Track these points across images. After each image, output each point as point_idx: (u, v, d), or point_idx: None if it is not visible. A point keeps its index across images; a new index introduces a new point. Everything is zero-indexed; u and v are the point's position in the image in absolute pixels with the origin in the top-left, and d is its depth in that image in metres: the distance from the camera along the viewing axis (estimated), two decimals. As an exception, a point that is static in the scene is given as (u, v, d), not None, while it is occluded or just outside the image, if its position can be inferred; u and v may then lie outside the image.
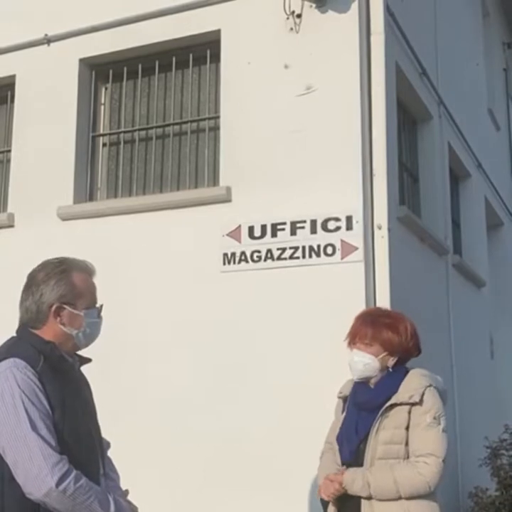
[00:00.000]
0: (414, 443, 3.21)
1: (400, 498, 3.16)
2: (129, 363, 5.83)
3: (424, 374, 3.36)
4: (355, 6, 5.67)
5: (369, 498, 3.19)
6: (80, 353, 2.75)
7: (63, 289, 2.61)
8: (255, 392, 5.45)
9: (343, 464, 3.32)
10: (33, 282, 2.64)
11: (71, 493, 2.36)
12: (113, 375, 5.63)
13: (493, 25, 11.41)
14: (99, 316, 2.71)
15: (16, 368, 2.45)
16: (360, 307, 5.10)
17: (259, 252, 5.67)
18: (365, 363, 3.33)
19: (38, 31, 6.75)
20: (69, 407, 2.52)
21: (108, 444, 2.88)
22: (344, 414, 3.47)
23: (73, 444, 2.48)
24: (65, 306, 2.61)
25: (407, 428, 3.23)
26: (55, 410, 2.46)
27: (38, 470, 2.33)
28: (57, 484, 2.33)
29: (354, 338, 3.40)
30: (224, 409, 5.51)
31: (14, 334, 2.68)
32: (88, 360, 2.75)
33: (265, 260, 5.64)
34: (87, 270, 2.70)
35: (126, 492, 2.77)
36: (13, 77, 6.91)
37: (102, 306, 2.73)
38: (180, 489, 5.53)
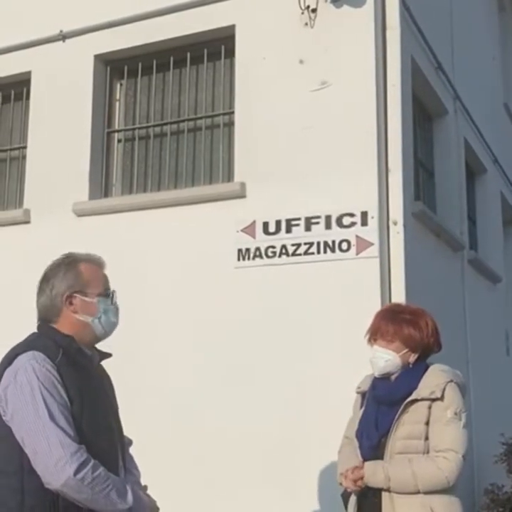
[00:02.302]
0: (435, 438, 3.21)
1: (418, 492, 3.16)
2: (141, 358, 5.84)
3: (444, 369, 3.36)
4: (370, 0, 5.64)
5: (388, 491, 3.19)
6: (100, 348, 2.77)
7: (71, 278, 2.67)
8: (269, 388, 5.44)
9: (363, 459, 3.31)
10: (44, 279, 2.71)
11: (89, 481, 2.38)
12: (124, 371, 5.63)
13: (509, 20, 11.31)
14: (113, 303, 2.75)
15: (35, 360, 2.48)
16: (376, 303, 5.11)
17: (273, 247, 5.66)
18: (387, 359, 3.33)
19: (53, 27, 6.76)
20: (87, 400, 2.55)
21: (130, 441, 2.91)
22: (363, 409, 3.46)
23: (92, 436, 2.50)
24: (75, 294, 2.65)
25: (427, 423, 3.23)
26: (73, 402, 2.49)
27: (56, 459, 2.36)
28: (76, 473, 2.36)
29: (375, 335, 3.39)
30: (239, 405, 5.51)
31: (35, 330, 2.71)
32: (108, 355, 2.77)
33: (280, 256, 5.64)
34: (94, 261, 2.76)
35: (145, 487, 2.79)
36: (28, 73, 6.93)
37: (114, 292, 2.76)
38: (193, 486, 5.54)
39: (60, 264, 2.71)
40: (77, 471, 2.36)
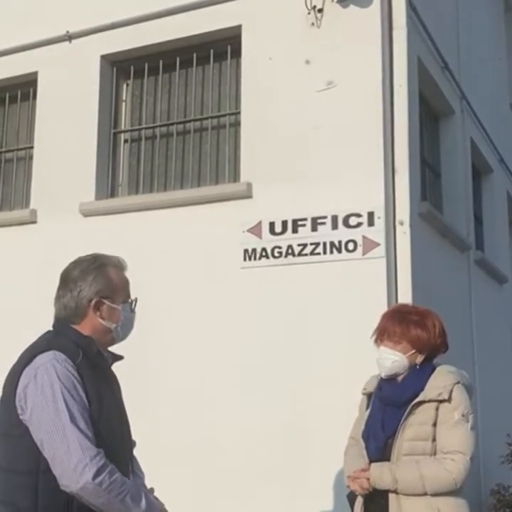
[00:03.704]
0: (442, 440, 3.20)
1: (425, 493, 3.15)
2: (147, 358, 5.83)
3: (451, 370, 3.34)
4: (377, 0, 5.64)
5: (396, 493, 3.18)
6: (111, 349, 2.77)
7: (101, 283, 2.65)
8: (275, 387, 5.44)
9: (369, 461, 3.30)
10: (69, 279, 2.67)
11: (107, 486, 2.38)
12: (130, 371, 5.63)
13: (516, 19, 11.30)
14: (132, 310, 2.76)
15: (56, 360, 2.47)
16: (382, 303, 5.10)
17: (279, 248, 5.66)
18: (394, 360, 3.32)
19: (60, 28, 6.77)
20: (105, 402, 2.55)
21: (134, 443, 2.90)
22: (369, 410, 3.45)
23: (108, 439, 2.50)
24: (104, 300, 2.65)
25: (434, 425, 3.22)
26: (92, 404, 2.49)
27: (76, 463, 2.36)
28: (94, 477, 2.35)
29: (382, 336, 3.37)
30: (244, 405, 5.51)
31: (50, 328, 2.70)
32: (120, 357, 2.77)
33: (286, 256, 5.63)
34: (120, 266, 2.75)
35: (152, 490, 2.79)
36: (35, 74, 6.94)
37: (136, 299, 2.76)
38: (199, 486, 5.54)
39: (88, 266, 2.67)
40: (95, 476, 2.36)
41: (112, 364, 2.75)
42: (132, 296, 2.77)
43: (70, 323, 2.65)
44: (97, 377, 2.56)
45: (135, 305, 2.77)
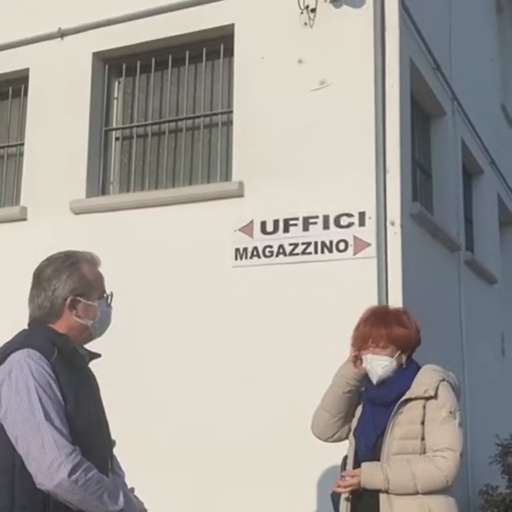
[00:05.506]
0: (431, 438, 3.20)
1: (417, 492, 3.15)
2: (139, 357, 5.84)
3: (436, 369, 3.36)
4: (370, 1, 5.65)
5: (386, 492, 3.18)
6: (88, 348, 2.74)
7: (76, 281, 2.61)
8: (265, 387, 5.44)
9: (359, 460, 3.30)
10: (42, 278, 2.63)
11: (82, 483, 2.36)
12: (120, 370, 5.63)
13: (508, 21, 11.34)
14: (109, 305, 2.72)
15: (30, 358, 2.45)
16: (372, 303, 5.08)
17: (271, 247, 5.66)
18: (384, 365, 3.31)
19: (52, 25, 6.75)
20: (81, 400, 2.52)
21: (114, 442, 2.88)
22: (360, 410, 3.45)
23: (85, 436, 2.47)
24: (79, 298, 2.62)
25: (423, 423, 3.22)
26: (68, 402, 2.46)
27: (51, 460, 2.33)
28: (70, 474, 2.33)
29: (366, 343, 3.33)
30: (235, 404, 5.51)
31: (26, 327, 2.66)
32: (97, 356, 2.74)
33: (277, 256, 5.64)
34: (93, 261, 2.72)
35: (132, 489, 2.76)
36: (26, 70, 6.92)
37: (111, 294, 2.73)
38: (187, 487, 5.53)
39: (61, 264, 2.63)
40: (71, 473, 2.33)
41: (89, 362, 2.72)
42: (107, 291, 2.73)
43: (45, 322, 2.61)
44: (73, 375, 2.53)
45: (111, 300, 2.74)
